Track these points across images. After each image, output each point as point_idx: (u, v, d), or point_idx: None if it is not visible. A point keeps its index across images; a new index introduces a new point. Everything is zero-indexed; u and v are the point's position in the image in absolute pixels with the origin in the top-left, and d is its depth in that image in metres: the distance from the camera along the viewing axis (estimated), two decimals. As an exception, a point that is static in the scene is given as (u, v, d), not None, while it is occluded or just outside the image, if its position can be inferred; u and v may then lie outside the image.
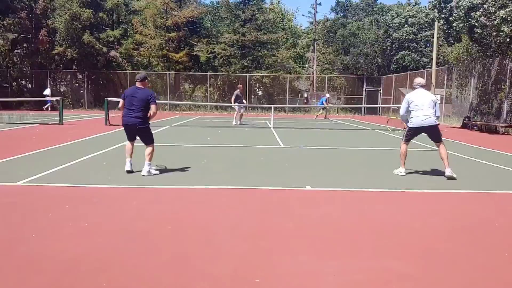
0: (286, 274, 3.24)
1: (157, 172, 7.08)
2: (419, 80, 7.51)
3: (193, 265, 3.40)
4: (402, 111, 7.40)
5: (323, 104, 25.26)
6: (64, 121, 17.37)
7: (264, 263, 3.45)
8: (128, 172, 6.97)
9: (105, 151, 9.45)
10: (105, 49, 33.15)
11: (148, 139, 7.09)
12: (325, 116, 25.73)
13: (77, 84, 37.50)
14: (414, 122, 7.21)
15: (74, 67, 35.30)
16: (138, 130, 6.97)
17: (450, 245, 3.96)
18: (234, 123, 18.69)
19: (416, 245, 3.93)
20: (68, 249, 3.67)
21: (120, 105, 7.09)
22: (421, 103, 7.12)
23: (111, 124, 16.67)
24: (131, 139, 7.13)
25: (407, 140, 7.47)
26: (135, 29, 35.10)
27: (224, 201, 5.48)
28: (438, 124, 7.29)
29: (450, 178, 6.90)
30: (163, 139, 12.52)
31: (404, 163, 7.44)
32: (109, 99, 18.64)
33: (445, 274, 3.30)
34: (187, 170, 7.55)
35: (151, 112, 6.86)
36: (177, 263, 3.43)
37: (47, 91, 28.61)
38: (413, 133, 7.36)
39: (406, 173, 7.35)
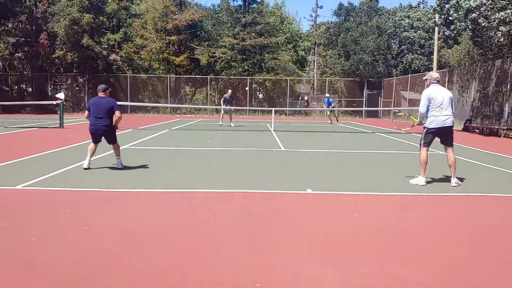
0: (287, 279, 3.21)
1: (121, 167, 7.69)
2: (436, 75, 6.78)
3: (193, 269, 3.37)
4: (423, 109, 6.55)
5: (331, 105, 23.93)
6: (64, 124, 17.35)
7: (264, 267, 3.42)
8: (85, 169, 7.43)
9: (104, 155, 9.41)
10: (105, 53, 33.22)
11: (113, 140, 7.89)
12: (336, 119, 24.60)
13: (77, 88, 37.55)
14: (435, 122, 6.51)
15: (74, 70, 35.34)
16: (105, 132, 7.73)
17: (452, 249, 3.93)
18: (220, 123, 19.90)
19: (419, 249, 3.89)
20: (68, 254, 3.64)
21: (86, 115, 7.81)
22: (441, 101, 6.45)
23: (112, 128, 16.60)
24: (96, 142, 7.81)
25: (428, 144, 6.71)
26: (136, 32, 35.16)
27: (225, 204, 5.44)
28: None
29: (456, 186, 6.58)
30: (163, 143, 12.53)
31: (425, 171, 6.69)
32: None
33: (448, 278, 3.27)
34: (187, 173, 7.52)
35: (116, 118, 7.62)
36: (178, 268, 3.40)
37: (61, 95, 28.41)
38: (433, 135, 6.64)
39: (406, 177, 7.13)
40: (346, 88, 38.00)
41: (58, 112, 27.59)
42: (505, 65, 18.59)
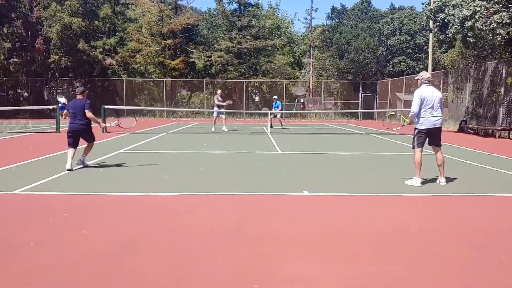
0: (285, 280, 3.23)
1: (82, 165, 8.21)
2: (427, 75, 6.80)
3: (192, 271, 3.40)
4: (416, 108, 6.57)
5: (278, 108, 22.05)
6: (61, 129, 17.24)
7: (262, 268, 3.44)
8: (69, 170, 7.73)
9: (101, 159, 9.42)
10: (101, 57, 33.21)
11: (90, 138, 8.41)
12: (281, 122, 22.72)
13: (73, 92, 37.50)
14: (427, 123, 6.60)
15: (70, 75, 35.31)
16: (82, 131, 8.21)
17: (448, 248, 3.96)
18: (213, 129, 18.48)
19: (415, 249, 3.93)
20: (67, 257, 3.65)
21: (65, 116, 8.32)
22: (432, 102, 6.54)
23: (108, 132, 16.56)
24: (75, 145, 8.17)
25: (421, 145, 6.74)
26: (131, 36, 35.17)
27: (222, 207, 5.46)
28: None
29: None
30: (160, 146, 12.49)
31: (420, 172, 6.75)
32: (106, 106, 18.60)
33: (444, 277, 3.30)
34: (184, 176, 7.53)
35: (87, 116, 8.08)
36: (176, 270, 3.42)
37: (63, 99, 28.65)
38: (425, 136, 6.69)
39: (399, 178, 7.21)
40: (342, 90, 38.14)
41: (63, 116, 27.25)
42: (500, 66, 18.73)
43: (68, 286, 3.12)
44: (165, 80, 34.76)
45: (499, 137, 16.82)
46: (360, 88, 35.45)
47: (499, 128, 17.35)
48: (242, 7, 36.76)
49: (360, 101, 35.39)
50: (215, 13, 41.24)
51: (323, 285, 3.15)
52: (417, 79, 6.90)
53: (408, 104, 29.42)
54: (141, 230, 4.43)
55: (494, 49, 19.33)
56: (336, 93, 38.53)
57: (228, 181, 7.13)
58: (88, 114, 8.06)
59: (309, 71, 38.69)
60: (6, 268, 3.44)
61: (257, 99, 38.70)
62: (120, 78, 34.82)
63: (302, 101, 36.13)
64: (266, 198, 5.96)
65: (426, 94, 6.59)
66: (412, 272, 3.40)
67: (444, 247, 4.00)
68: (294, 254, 3.77)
